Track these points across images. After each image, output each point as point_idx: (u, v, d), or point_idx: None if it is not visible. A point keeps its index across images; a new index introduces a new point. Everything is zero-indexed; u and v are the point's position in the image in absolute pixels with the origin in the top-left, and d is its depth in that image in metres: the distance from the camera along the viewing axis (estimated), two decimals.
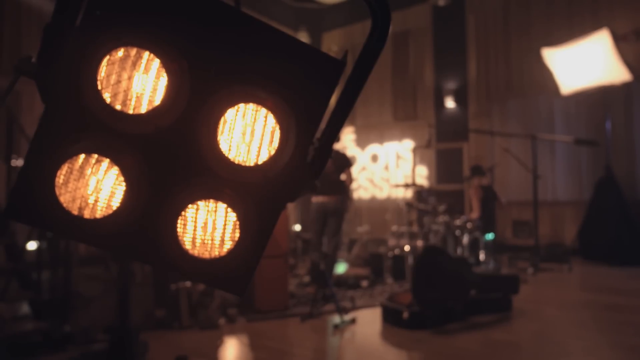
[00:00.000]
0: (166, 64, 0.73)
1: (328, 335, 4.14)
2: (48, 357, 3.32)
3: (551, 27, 8.83)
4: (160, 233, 0.77)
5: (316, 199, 5.44)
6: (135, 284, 4.11)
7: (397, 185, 8.02)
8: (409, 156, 10.13)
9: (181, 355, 2.98)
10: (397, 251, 6.60)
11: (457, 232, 6.72)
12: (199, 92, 0.76)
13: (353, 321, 4.37)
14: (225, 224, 0.78)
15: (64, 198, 0.74)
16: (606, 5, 8.32)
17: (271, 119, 0.76)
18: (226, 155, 0.76)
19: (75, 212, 0.74)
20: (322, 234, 5.47)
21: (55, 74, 0.73)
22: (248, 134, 0.76)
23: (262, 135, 0.76)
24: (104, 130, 0.74)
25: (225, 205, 0.77)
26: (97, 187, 0.74)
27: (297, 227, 8.37)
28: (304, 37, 10.80)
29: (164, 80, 0.73)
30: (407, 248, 6.43)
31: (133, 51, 0.73)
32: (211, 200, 0.77)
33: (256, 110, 0.76)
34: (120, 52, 0.72)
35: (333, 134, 0.85)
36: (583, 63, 8.24)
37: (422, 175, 10.18)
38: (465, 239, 6.68)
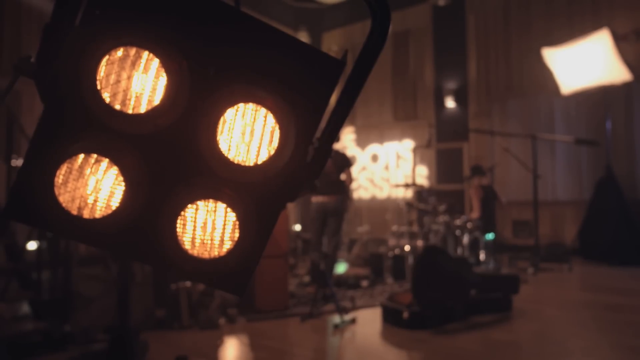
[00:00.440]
0: (166, 64, 0.73)
1: (328, 335, 4.14)
2: (48, 357, 3.32)
3: (551, 26, 8.83)
4: (160, 233, 0.77)
5: (316, 199, 5.43)
6: (135, 284, 4.11)
7: (397, 185, 8.02)
8: (409, 156, 10.13)
9: (181, 355, 2.98)
10: (397, 251, 6.60)
11: (457, 232, 6.72)
12: (199, 92, 0.76)
13: (353, 321, 4.37)
14: (224, 224, 0.78)
15: (63, 198, 0.73)
16: (606, 5, 8.31)
17: (271, 119, 0.76)
18: (226, 155, 0.75)
19: (75, 212, 0.74)
20: (322, 234, 5.47)
21: (54, 74, 0.73)
22: (247, 133, 0.76)
23: (262, 135, 0.76)
24: (103, 130, 0.74)
25: (224, 205, 0.77)
26: (97, 187, 0.74)
27: (297, 227, 8.36)
28: (304, 37, 10.80)
29: (163, 79, 0.73)
30: (407, 248, 6.43)
31: (132, 51, 0.73)
32: (211, 200, 0.77)
33: (256, 110, 0.76)
34: (120, 52, 0.72)
35: (333, 134, 0.85)
36: (583, 63, 8.23)
37: (422, 175, 10.17)
38: (466, 239, 6.68)
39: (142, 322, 4.00)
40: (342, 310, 4.44)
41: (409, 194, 9.57)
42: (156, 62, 0.73)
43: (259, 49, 0.78)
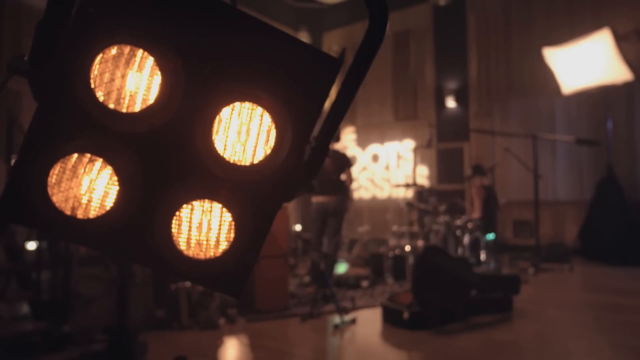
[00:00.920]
0: (160, 62, 0.72)
1: (328, 336, 4.13)
2: (47, 357, 3.32)
3: (552, 26, 8.81)
4: (155, 234, 0.76)
5: (316, 199, 5.43)
6: (135, 284, 4.10)
7: (398, 185, 8.01)
8: (410, 156, 10.11)
9: (180, 355, 2.97)
10: (397, 251, 6.59)
11: (458, 232, 6.71)
12: (194, 91, 0.75)
13: (353, 321, 4.36)
14: (220, 224, 0.77)
15: (57, 198, 0.73)
16: (607, 5, 8.29)
17: (267, 118, 0.75)
18: (221, 154, 0.74)
19: (68, 212, 0.73)
20: (322, 234, 5.46)
21: (48, 72, 0.72)
22: (243, 133, 0.75)
23: (258, 134, 0.75)
24: (97, 129, 0.73)
25: (220, 205, 0.76)
26: (91, 186, 0.73)
27: (298, 227, 8.36)
28: (304, 37, 10.79)
29: (158, 78, 0.72)
30: (407, 248, 6.42)
31: (126, 49, 0.72)
32: (206, 200, 0.76)
33: (252, 109, 0.75)
34: (114, 50, 0.71)
35: (330, 133, 0.84)
36: (584, 63, 8.22)
37: (423, 175, 10.16)
38: (466, 239, 6.66)
39: (142, 322, 3.99)
40: (342, 311, 4.43)
41: (409, 194, 9.55)
42: (151, 60, 0.72)
43: (255, 47, 0.77)
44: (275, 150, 0.75)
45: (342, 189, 5.44)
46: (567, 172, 8.66)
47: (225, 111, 0.74)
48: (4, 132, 4.36)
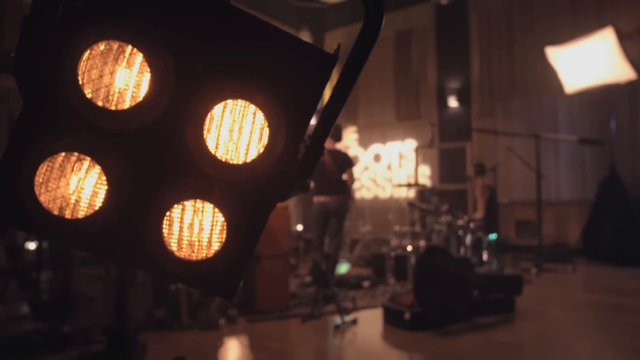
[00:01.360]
0: (150, 59, 0.70)
1: (329, 336, 4.11)
2: (47, 357, 3.31)
3: (555, 25, 8.77)
4: (145, 234, 0.74)
5: (318, 199, 5.41)
6: (135, 284, 4.09)
7: (400, 185, 8.00)
8: (412, 156, 10.09)
9: (179, 356, 2.96)
10: (399, 251, 6.57)
11: (460, 232, 6.68)
12: (185, 88, 0.73)
13: (354, 322, 4.34)
14: (212, 225, 0.75)
15: (44, 197, 0.71)
16: (610, 4, 8.26)
17: (260, 116, 0.73)
18: (213, 153, 0.72)
19: (56, 212, 0.71)
20: (323, 234, 5.44)
21: (34, 68, 0.71)
22: (236, 131, 0.73)
23: (251, 132, 0.73)
24: (85, 127, 0.71)
25: (212, 205, 0.74)
26: (79, 186, 0.71)
27: (299, 227, 8.35)
28: (306, 36, 10.78)
29: (147, 75, 0.70)
30: (409, 248, 6.40)
31: (115, 45, 0.70)
32: (198, 200, 0.74)
33: (244, 107, 0.73)
34: (102, 46, 0.70)
35: (325, 132, 0.81)
36: (587, 62, 8.18)
37: (425, 175, 10.14)
38: (468, 239, 6.64)
39: (142, 322, 3.98)
40: (343, 311, 4.41)
41: (411, 193, 9.52)
42: (140, 56, 0.70)
43: (247, 43, 0.75)
44: (268, 148, 0.73)
45: (344, 189, 5.43)
46: (570, 172, 8.62)
47: (217, 109, 0.72)
48: (4, 132, 4.36)
